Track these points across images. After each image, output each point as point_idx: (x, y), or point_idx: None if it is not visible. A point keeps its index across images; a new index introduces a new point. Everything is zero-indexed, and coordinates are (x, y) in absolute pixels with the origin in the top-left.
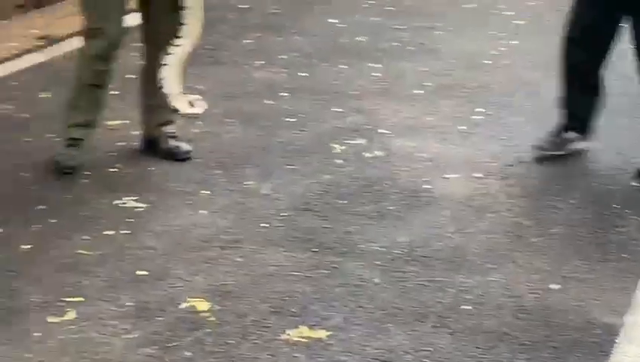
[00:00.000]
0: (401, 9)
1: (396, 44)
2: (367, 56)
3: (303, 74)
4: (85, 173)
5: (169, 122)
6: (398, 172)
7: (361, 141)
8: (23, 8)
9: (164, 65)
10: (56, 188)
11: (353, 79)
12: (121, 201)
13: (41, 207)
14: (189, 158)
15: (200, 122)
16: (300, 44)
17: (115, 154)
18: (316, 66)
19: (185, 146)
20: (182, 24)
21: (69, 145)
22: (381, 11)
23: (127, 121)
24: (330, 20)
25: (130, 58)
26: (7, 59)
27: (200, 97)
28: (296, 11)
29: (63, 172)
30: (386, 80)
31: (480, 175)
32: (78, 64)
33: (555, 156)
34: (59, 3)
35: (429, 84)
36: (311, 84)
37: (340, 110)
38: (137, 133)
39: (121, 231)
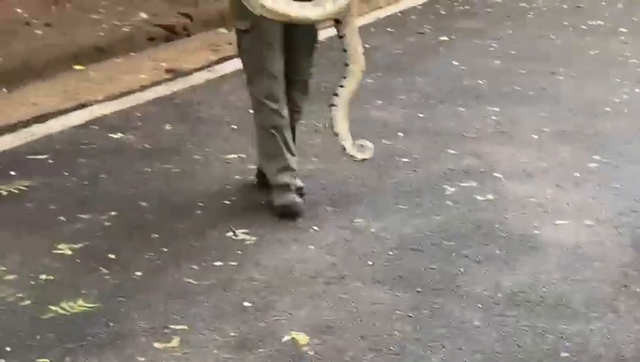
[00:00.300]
0: (524, 53)
1: (517, 88)
2: (487, 100)
3: (421, 115)
4: (200, 203)
5: None
6: (509, 216)
7: (474, 183)
8: (153, 41)
9: (332, 105)
10: (170, 217)
11: (470, 122)
12: (232, 233)
13: (154, 235)
14: (302, 194)
15: (315, 158)
16: (420, 85)
17: (230, 187)
18: (434, 108)
19: (298, 182)
20: (346, 65)
21: (283, 192)
22: (504, 55)
23: (244, 155)
24: (452, 62)
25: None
26: (135, 91)
27: (368, 142)
28: (420, 52)
29: (291, 216)
30: (503, 123)
31: (591, 223)
32: (255, 111)
33: None
34: (187, 37)
35: (547, 129)
36: (427, 125)
37: (455, 152)
38: (253, 167)
39: (230, 263)
